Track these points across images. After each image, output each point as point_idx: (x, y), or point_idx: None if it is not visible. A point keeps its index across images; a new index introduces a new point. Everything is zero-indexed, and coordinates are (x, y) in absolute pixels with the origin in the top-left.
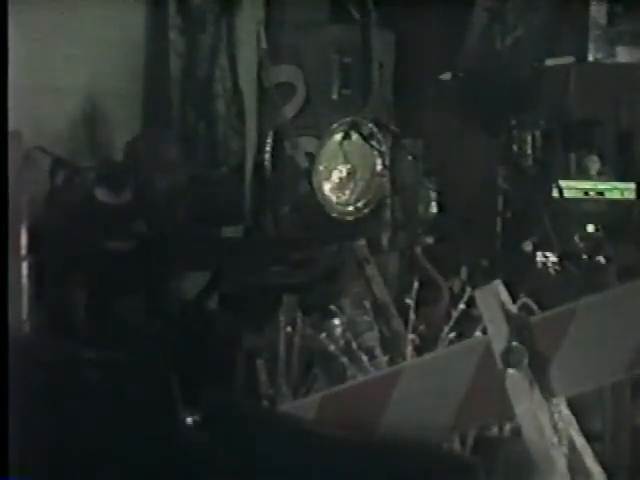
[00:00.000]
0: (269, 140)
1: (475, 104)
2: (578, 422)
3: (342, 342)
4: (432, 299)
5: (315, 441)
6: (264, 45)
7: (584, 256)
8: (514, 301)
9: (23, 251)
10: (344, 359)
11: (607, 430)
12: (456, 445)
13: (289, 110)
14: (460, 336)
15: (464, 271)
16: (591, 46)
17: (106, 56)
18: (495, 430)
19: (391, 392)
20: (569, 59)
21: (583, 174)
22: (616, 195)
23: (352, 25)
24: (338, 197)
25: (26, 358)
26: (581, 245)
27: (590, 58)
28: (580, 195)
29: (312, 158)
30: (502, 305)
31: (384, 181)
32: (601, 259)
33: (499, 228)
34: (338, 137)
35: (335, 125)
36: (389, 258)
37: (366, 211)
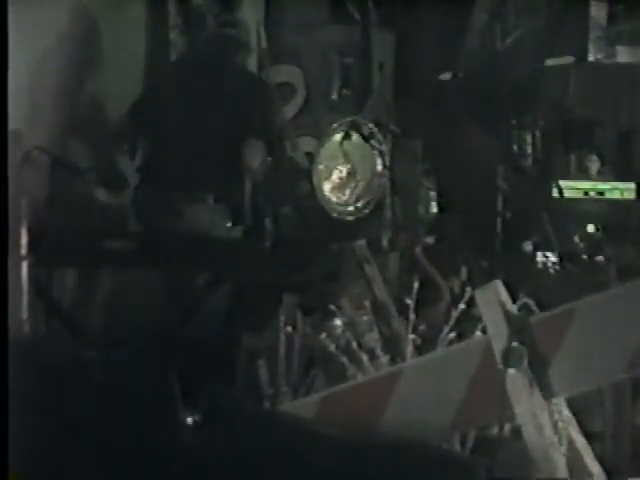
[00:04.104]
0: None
1: (475, 104)
2: (578, 422)
3: (342, 342)
4: (432, 299)
5: (315, 441)
6: (264, 45)
7: (584, 256)
8: (514, 301)
9: (23, 251)
10: (344, 359)
11: (607, 430)
12: (456, 445)
13: (289, 110)
14: (460, 336)
15: (464, 271)
16: (591, 46)
17: (106, 56)
18: (495, 430)
19: (391, 392)
20: (569, 59)
21: (583, 174)
22: (616, 195)
23: (352, 25)
24: (338, 197)
25: (26, 358)
26: (581, 245)
27: (590, 58)
28: (580, 195)
29: (312, 158)
30: (502, 305)
31: (384, 181)
32: (601, 259)
33: (499, 228)
34: (338, 137)
35: (335, 125)
36: (389, 258)
37: (366, 211)
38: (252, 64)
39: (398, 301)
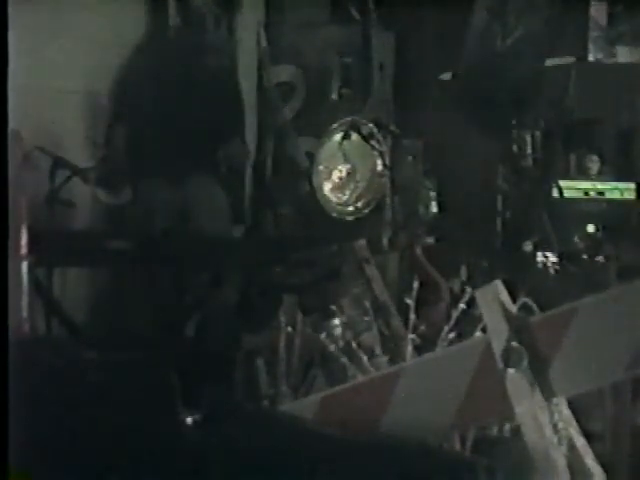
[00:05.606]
0: (269, 140)
1: (475, 104)
2: (578, 422)
3: (342, 342)
4: (432, 299)
5: (315, 441)
6: (264, 45)
7: (584, 256)
8: (514, 301)
9: (23, 251)
10: (344, 359)
11: (607, 430)
12: (456, 445)
13: (289, 110)
14: (460, 336)
15: (464, 271)
16: (591, 46)
17: (106, 56)
18: (495, 430)
19: (391, 392)
20: (569, 59)
21: (583, 174)
22: (616, 195)
23: (352, 25)
24: (338, 197)
25: (26, 358)
26: (581, 245)
27: (590, 58)
28: (580, 195)
29: (312, 158)
30: (502, 305)
31: (384, 181)
32: (601, 259)
33: (499, 228)
34: (338, 137)
35: (335, 125)
36: (389, 258)
37: (366, 211)
38: (252, 66)
39: (398, 301)
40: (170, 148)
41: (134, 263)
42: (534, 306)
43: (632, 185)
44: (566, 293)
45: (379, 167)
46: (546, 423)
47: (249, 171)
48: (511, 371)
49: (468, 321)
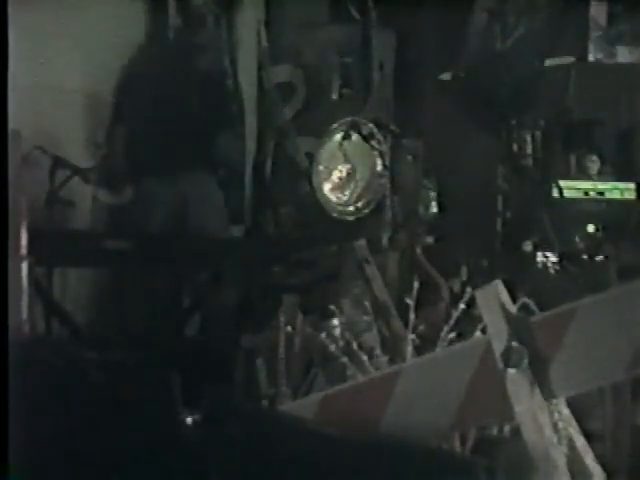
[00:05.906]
0: (269, 140)
1: (475, 104)
2: (578, 422)
3: (342, 342)
4: (432, 299)
5: (315, 441)
6: (264, 45)
7: (584, 256)
8: (514, 301)
9: (23, 251)
10: (344, 359)
11: (607, 430)
12: (456, 445)
13: (289, 110)
14: (460, 336)
15: (464, 271)
16: (591, 46)
17: (106, 56)
18: (495, 430)
19: (391, 392)
20: (569, 59)
21: (583, 174)
22: (616, 195)
23: (352, 25)
24: (338, 197)
25: (26, 358)
26: (581, 245)
27: (590, 58)
28: (580, 195)
29: (312, 158)
30: (502, 305)
31: (384, 181)
32: (601, 259)
33: (499, 228)
34: (338, 137)
35: (335, 125)
36: (389, 258)
37: (366, 211)
38: (252, 66)
39: (398, 301)
40: (170, 148)
41: (134, 263)
42: (534, 306)
43: (632, 185)
44: (566, 293)
45: (379, 167)
46: (546, 423)
47: (249, 171)
48: (511, 371)
49: (468, 321)
